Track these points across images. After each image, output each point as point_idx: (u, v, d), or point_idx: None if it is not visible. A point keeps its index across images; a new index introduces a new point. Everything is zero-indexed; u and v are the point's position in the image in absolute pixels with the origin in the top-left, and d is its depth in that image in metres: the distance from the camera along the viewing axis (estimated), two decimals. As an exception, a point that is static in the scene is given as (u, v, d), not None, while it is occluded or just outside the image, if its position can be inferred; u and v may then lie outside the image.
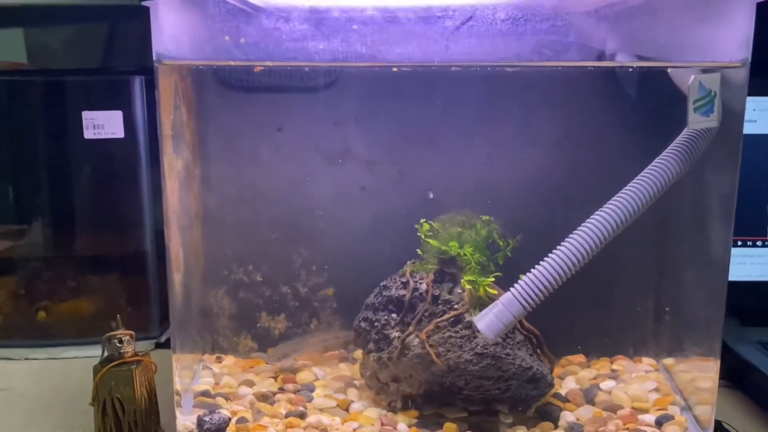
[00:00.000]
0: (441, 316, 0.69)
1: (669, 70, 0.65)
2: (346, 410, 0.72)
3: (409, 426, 0.69)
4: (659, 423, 0.69)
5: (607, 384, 0.76)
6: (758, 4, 0.60)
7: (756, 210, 0.90)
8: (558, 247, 0.61)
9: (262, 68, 0.69)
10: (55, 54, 0.96)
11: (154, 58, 0.61)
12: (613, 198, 0.62)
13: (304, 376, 0.78)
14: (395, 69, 0.64)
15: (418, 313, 0.70)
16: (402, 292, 0.72)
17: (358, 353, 0.79)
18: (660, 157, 0.63)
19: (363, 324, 0.74)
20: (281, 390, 0.76)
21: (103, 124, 0.90)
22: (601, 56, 0.62)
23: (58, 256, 0.95)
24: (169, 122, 0.66)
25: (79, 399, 0.73)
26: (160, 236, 0.74)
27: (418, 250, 0.73)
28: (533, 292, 0.60)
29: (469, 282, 0.70)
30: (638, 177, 0.62)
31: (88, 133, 0.90)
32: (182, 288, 0.71)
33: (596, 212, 0.62)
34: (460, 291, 0.70)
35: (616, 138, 0.76)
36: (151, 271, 0.95)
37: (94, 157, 0.92)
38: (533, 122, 0.77)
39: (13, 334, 0.94)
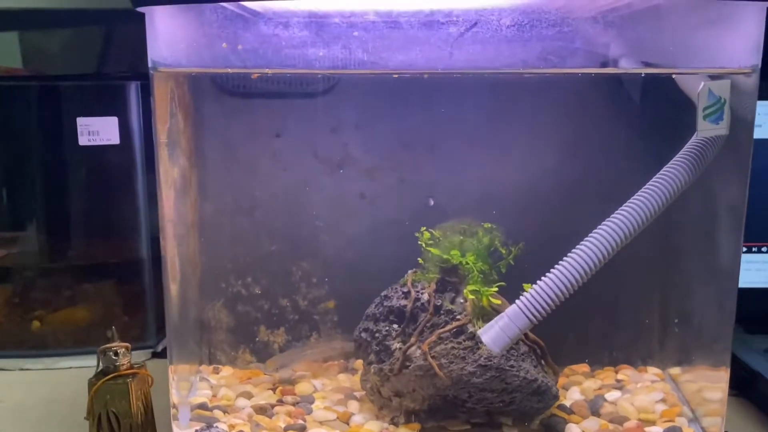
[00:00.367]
0: (443, 326, 0.67)
1: (675, 77, 0.64)
2: (347, 423, 0.71)
3: (412, 439, 0.68)
4: (667, 435, 0.68)
5: (612, 395, 0.75)
6: (769, 9, 0.58)
7: (763, 215, 0.89)
8: (565, 257, 0.60)
9: (261, 75, 0.68)
10: (50, 59, 0.95)
11: (150, 65, 0.59)
12: (622, 207, 0.61)
13: (303, 388, 0.77)
14: (396, 75, 0.63)
15: (420, 323, 0.68)
16: (403, 302, 0.70)
17: (359, 363, 0.77)
18: (669, 165, 0.62)
19: (364, 335, 0.72)
20: (280, 402, 0.74)
21: (98, 131, 0.89)
22: (607, 63, 0.61)
23: (53, 264, 0.94)
24: (164, 130, 0.65)
25: (74, 411, 0.72)
26: (156, 244, 0.73)
27: (419, 259, 0.72)
28: (540, 305, 0.59)
29: (472, 292, 0.68)
30: (647, 185, 0.61)
31: (83, 140, 0.89)
32: (178, 298, 0.70)
33: (604, 222, 0.60)
34: (462, 301, 0.69)
35: (624, 146, 0.74)
36: (148, 279, 0.94)
37: (89, 164, 0.90)
38: (538, 129, 0.75)
39: (6, 344, 0.93)
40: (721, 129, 0.60)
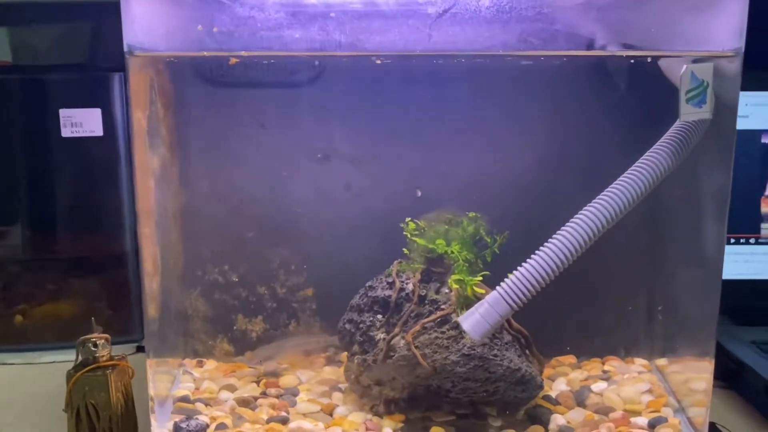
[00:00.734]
0: (427, 316, 0.67)
1: (659, 61, 0.63)
2: (330, 415, 0.70)
3: (395, 430, 0.67)
4: (652, 426, 0.68)
5: (598, 386, 0.74)
6: (751, -6, 0.58)
7: (749, 207, 0.89)
8: (545, 243, 0.59)
9: (244, 61, 0.67)
10: (32, 51, 0.94)
11: (125, 49, 0.59)
12: (603, 193, 0.60)
13: (287, 380, 0.76)
14: (379, 61, 0.62)
15: (404, 313, 0.68)
16: (388, 292, 0.70)
17: (345, 355, 0.77)
18: (651, 150, 0.61)
19: (348, 326, 0.72)
20: (263, 395, 0.74)
21: (81, 122, 0.88)
22: (589, 45, 0.60)
23: (36, 257, 0.93)
24: (142, 118, 0.64)
25: (55, 405, 0.71)
26: (140, 237, 0.72)
27: (404, 250, 0.71)
28: (520, 290, 0.58)
29: (457, 281, 0.68)
30: (629, 171, 0.61)
31: (66, 132, 0.88)
32: (157, 290, 0.69)
33: (585, 207, 0.60)
34: (447, 291, 0.69)
35: (606, 130, 0.74)
36: (132, 272, 0.93)
37: (72, 156, 0.89)
38: (519, 114, 0.75)
39: (-12, 338, 0.92)
40: (704, 113, 0.59)
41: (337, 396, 0.73)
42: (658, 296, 0.77)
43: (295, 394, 0.74)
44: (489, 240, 0.69)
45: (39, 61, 0.93)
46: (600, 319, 0.79)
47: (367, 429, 0.67)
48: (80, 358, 0.66)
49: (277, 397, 0.73)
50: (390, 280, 0.71)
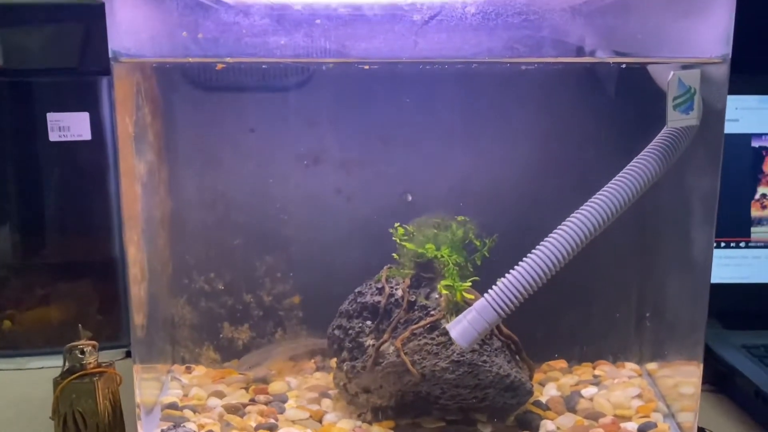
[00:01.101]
0: (417, 322, 0.66)
1: (649, 67, 0.63)
2: (320, 422, 0.70)
3: (384, 437, 0.67)
4: (642, 431, 0.67)
5: (588, 391, 0.74)
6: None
7: (740, 211, 0.89)
8: (533, 250, 0.59)
9: (231, 67, 0.67)
10: (19, 54, 0.93)
11: (110, 56, 0.58)
12: (591, 199, 0.60)
13: (276, 387, 0.76)
14: (366, 67, 0.62)
15: (394, 319, 0.67)
16: (377, 298, 0.70)
17: (334, 361, 0.76)
18: (639, 156, 0.61)
19: (337, 332, 0.71)
20: (252, 401, 0.73)
21: (68, 126, 0.87)
22: (577, 52, 0.60)
23: (24, 262, 0.92)
24: (128, 123, 0.64)
25: (44, 411, 0.70)
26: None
27: (394, 255, 0.71)
28: (508, 298, 0.58)
29: (446, 287, 0.67)
30: (616, 177, 0.60)
31: (54, 135, 0.87)
32: (144, 297, 0.69)
33: (572, 214, 0.60)
34: (437, 296, 0.68)
35: (594, 136, 0.74)
36: (121, 277, 0.92)
37: (60, 161, 0.89)
38: (507, 120, 0.75)
39: (-24, 344, 0.91)
40: (692, 119, 0.59)
41: (326, 402, 0.73)
42: (648, 301, 0.77)
43: (284, 401, 0.73)
44: (478, 243, 0.69)
45: (26, 64, 0.92)
46: (591, 323, 0.79)
47: (356, 436, 0.67)
48: (67, 365, 0.65)
49: (266, 403, 0.73)
50: (379, 285, 0.70)
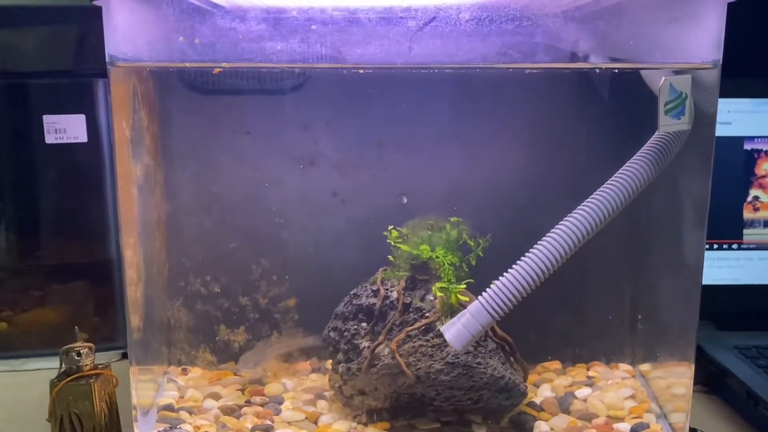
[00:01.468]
0: (412, 324, 0.67)
1: (642, 72, 0.64)
2: (315, 423, 0.70)
3: (380, 438, 0.67)
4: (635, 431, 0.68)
5: (582, 392, 0.75)
6: (729, 5, 0.59)
7: (732, 213, 0.89)
8: (527, 254, 0.59)
9: (227, 70, 0.67)
10: (15, 56, 0.93)
11: (107, 60, 0.58)
12: (584, 203, 0.60)
13: (272, 388, 0.76)
14: (361, 71, 0.63)
15: (389, 321, 0.68)
16: (372, 300, 0.70)
17: (330, 363, 0.77)
18: (631, 160, 0.61)
19: (332, 333, 0.72)
20: (248, 403, 0.73)
21: (65, 128, 0.87)
22: (569, 58, 0.61)
23: (21, 264, 0.92)
24: (125, 126, 0.64)
25: (40, 413, 0.70)
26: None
27: (389, 257, 0.71)
28: (501, 301, 0.58)
29: (441, 289, 0.68)
30: (609, 181, 0.61)
31: (50, 138, 0.87)
32: (140, 298, 0.69)
33: (565, 218, 0.60)
34: (432, 298, 0.69)
35: (587, 141, 0.74)
36: (117, 279, 0.92)
37: (56, 163, 0.89)
38: (501, 124, 0.75)
39: (-28, 346, 0.91)
40: (683, 124, 0.60)
41: (321, 404, 0.73)
42: (641, 303, 0.77)
43: (280, 403, 0.74)
44: (473, 243, 0.69)
45: (22, 66, 0.93)
46: (584, 325, 0.79)
47: (351, 437, 0.67)
48: (64, 366, 0.65)
49: (262, 405, 0.73)
50: (375, 287, 0.71)
